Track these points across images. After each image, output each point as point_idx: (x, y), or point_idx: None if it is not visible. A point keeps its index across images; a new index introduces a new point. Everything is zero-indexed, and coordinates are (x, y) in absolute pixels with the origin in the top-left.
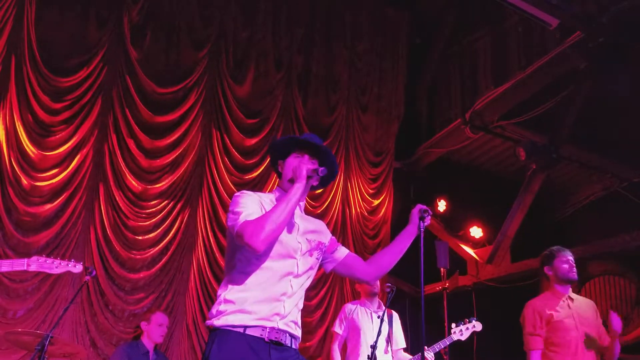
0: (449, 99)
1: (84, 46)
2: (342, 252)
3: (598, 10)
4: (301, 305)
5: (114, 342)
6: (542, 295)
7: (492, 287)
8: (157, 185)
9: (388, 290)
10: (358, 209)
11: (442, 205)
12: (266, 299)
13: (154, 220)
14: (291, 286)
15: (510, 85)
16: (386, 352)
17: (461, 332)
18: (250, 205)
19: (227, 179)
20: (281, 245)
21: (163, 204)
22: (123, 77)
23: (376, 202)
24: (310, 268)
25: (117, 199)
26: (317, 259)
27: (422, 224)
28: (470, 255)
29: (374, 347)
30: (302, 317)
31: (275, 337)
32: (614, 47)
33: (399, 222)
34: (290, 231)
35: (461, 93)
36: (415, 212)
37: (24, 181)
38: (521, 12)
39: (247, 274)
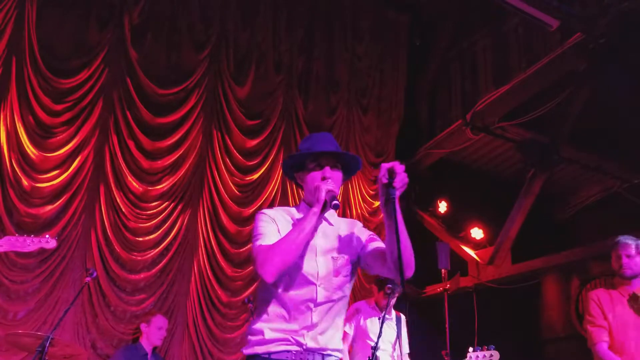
0: (449, 100)
1: (85, 48)
2: (373, 246)
3: (598, 11)
4: (332, 329)
5: (115, 343)
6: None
7: (493, 288)
8: (158, 187)
9: (389, 291)
10: (359, 210)
11: (443, 207)
12: (286, 329)
13: (154, 221)
14: (311, 318)
15: (511, 87)
16: (392, 356)
17: (477, 358)
18: (266, 228)
19: (228, 180)
20: (297, 272)
21: (164, 205)
22: (124, 79)
23: (377, 203)
24: (337, 289)
25: (118, 200)
26: (346, 276)
27: (392, 191)
28: (471, 256)
29: (374, 348)
30: None
31: (301, 359)
32: (614, 49)
33: None
34: (307, 255)
35: (462, 94)
36: (381, 176)
37: (25, 182)
38: (522, 14)
39: (268, 303)
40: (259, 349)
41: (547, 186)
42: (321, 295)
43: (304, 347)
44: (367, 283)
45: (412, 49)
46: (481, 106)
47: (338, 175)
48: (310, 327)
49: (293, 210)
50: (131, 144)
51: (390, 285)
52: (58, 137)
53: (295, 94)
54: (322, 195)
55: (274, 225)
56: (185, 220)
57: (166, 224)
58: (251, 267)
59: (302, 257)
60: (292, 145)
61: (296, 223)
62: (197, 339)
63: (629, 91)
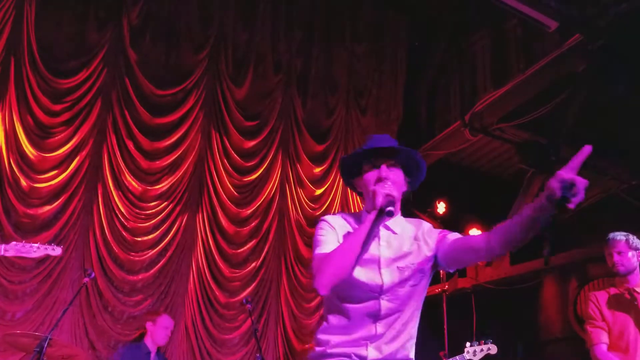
0: (448, 101)
1: (84, 48)
2: (449, 238)
3: (597, 13)
4: (401, 339)
5: (112, 344)
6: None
7: (491, 289)
8: (157, 187)
9: None
10: (357, 211)
11: (441, 208)
12: (347, 342)
13: (153, 221)
14: (376, 329)
15: (510, 88)
16: None
17: (475, 352)
18: (325, 236)
19: (227, 180)
20: (357, 286)
21: (162, 205)
22: (122, 79)
23: None
24: (406, 299)
25: (117, 200)
26: (415, 285)
27: (559, 208)
28: None
29: None
30: (302, 319)
31: None
32: (613, 50)
33: None
34: (369, 267)
35: (460, 95)
36: (554, 187)
37: (23, 183)
38: (520, 15)
39: (331, 315)
40: None
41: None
42: (386, 307)
43: (365, 357)
44: None
45: (410, 50)
46: (480, 107)
47: (398, 174)
48: (374, 337)
49: (352, 218)
50: (130, 144)
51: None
52: (56, 137)
53: (294, 95)
54: (379, 201)
55: (334, 233)
56: (184, 221)
57: (165, 225)
58: (249, 268)
59: (363, 268)
60: (290, 146)
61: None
62: (196, 339)
63: (628, 92)
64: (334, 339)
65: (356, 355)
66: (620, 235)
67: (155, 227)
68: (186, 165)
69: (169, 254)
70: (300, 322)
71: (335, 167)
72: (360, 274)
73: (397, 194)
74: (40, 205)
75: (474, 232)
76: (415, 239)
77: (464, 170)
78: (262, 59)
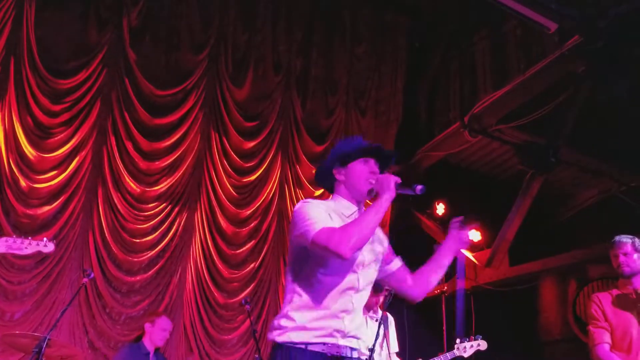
0: (447, 102)
1: (84, 48)
2: (396, 264)
3: (597, 14)
4: (361, 318)
5: (112, 345)
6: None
7: (491, 290)
8: (156, 188)
9: (387, 293)
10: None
11: (440, 209)
12: (326, 315)
13: (152, 222)
14: (352, 302)
15: (509, 89)
16: (379, 354)
17: (465, 348)
18: (319, 214)
19: (226, 181)
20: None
21: (161, 206)
22: (122, 80)
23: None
24: (370, 282)
25: (116, 201)
26: (376, 270)
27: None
28: (469, 258)
29: (372, 350)
30: None
31: (337, 352)
32: (612, 51)
33: (398, 225)
34: None
35: (460, 96)
36: (455, 225)
37: (23, 183)
38: (520, 16)
39: (309, 290)
40: (295, 337)
41: (545, 189)
42: (361, 283)
43: (343, 333)
44: None
45: (410, 51)
46: (479, 108)
47: (378, 171)
48: (350, 311)
49: (330, 203)
50: (129, 144)
51: (388, 288)
52: (56, 138)
53: (294, 96)
54: (392, 184)
55: (325, 211)
56: (183, 222)
57: (164, 225)
58: (248, 269)
59: None
60: (290, 147)
61: (346, 213)
62: (195, 340)
63: (627, 94)
64: (311, 314)
65: (336, 331)
66: (626, 238)
67: (154, 228)
68: (185, 166)
69: (167, 254)
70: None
71: None
72: None
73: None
74: (40, 206)
75: (473, 233)
76: (377, 233)
77: (463, 172)
78: (262, 59)
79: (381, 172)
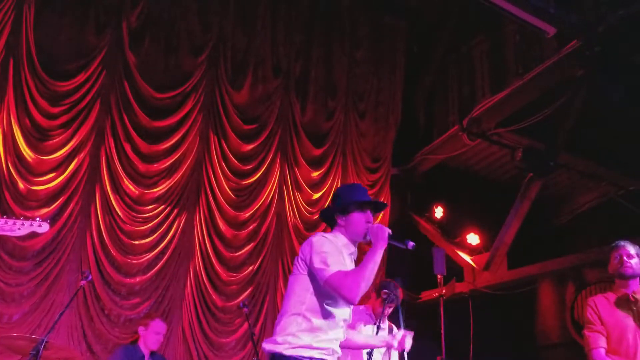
0: (446, 105)
1: (83, 50)
2: None
3: (595, 19)
4: None
5: (110, 347)
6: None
7: (489, 294)
8: (154, 190)
9: (385, 296)
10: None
11: (439, 212)
12: (328, 339)
13: (150, 225)
14: (343, 332)
15: (508, 93)
16: None
17: None
18: (336, 257)
19: (224, 184)
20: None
21: (160, 208)
22: (121, 82)
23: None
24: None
25: (114, 203)
26: None
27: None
28: (467, 262)
29: (370, 353)
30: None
31: None
32: (610, 56)
33: (396, 228)
34: None
35: (459, 100)
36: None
37: (21, 185)
38: (519, 21)
39: (316, 316)
40: (303, 352)
41: (543, 192)
42: (350, 316)
43: (337, 354)
44: None
45: (409, 55)
46: (478, 112)
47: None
48: (340, 339)
49: (339, 239)
50: (128, 147)
51: (386, 291)
52: (54, 140)
53: (293, 99)
54: (386, 235)
55: (339, 251)
56: (181, 224)
57: (162, 228)
58: (246, 272)
59: None
60: (289, 150)
61: (347, 250)
62: (193, 342)
63: (625, 98)
64: (319, 336)
65: (333, 352)
66: (629, 244)
67: (153, 230)
68: (184, 169)
69: (166, 257)
70: None
71: (333, 172)
72: None
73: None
74: (38, 208)
75: (471, 237)
76: None
77: (461, 175)
78: (261, 62)
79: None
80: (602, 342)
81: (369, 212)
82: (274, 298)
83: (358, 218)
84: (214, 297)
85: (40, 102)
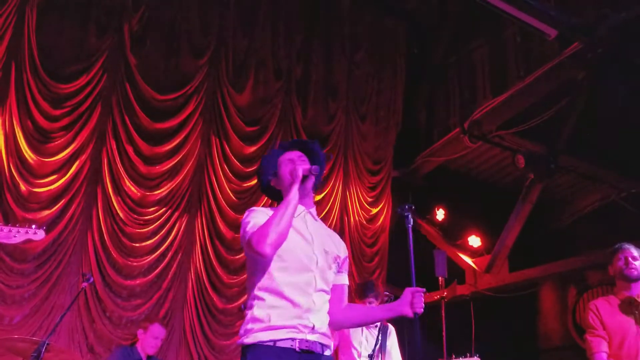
0: (447, 108)
1: (84, 53)
2: (342, 280)
3: (596, 21)
4: (326, 323)
5: (112, 349)
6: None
7: (490, 296)
8: (156, 192)
9: (386, 298)
10: (357, 217)
11: (440, 214)
12: (290, 315)
13: (152, 227)
14: (314, 301)
15: (509, 95)
16: None
17: None
18: (258, 217)
19: (226, 186)
20: (296, 258)
21: (161, 210)
22: (123, 84)
23: (374, 210)
24: (328, 283)
25: (116, 205)
26: (334, 273)
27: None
28: (469, 264)
29: (371, 356)
30: None
31: (306, 347)
32: (612, 58)
33: (397, 231)
34: (304, 243)
35: (460, 102)
36: (409, 294)
37: (22, 187)
38: (520, 23)
39: (269, 291)
40: (263, 337)
41: (545, 195)
42: (319, 283)
43: (311, 328)
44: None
45: (410, 57)
46: (479, 114)
47: (303, 159)
48: (313, 310)
49: (264, 208)
50: (129, 149)
51: (387, 293)
52: (56, 142)
53: (294, 101)
54: (299, 172)
55: (265, 214)
56: (183, 226)
57: (163, 230)
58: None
59: (298, 241)
60: None
61: None
62: (194, 345)
63: (627, 100)
64: (274, 312)
65: (302, 326)
66: (633, 246)
67: (154, 233)
68: (185, 171)
69: (167, 259)
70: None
71: (335, 174)
72: (297, 245)
73: (307, 168)
74: (39, 210)
75: (473, 239)
76: (336, 239)
77: (463, 177)
78: (262, 65)
79: (320, 165)
80: (604, 346)
81: (293, 152)
82: None
83: (284, 168)
84: (215, 299)
85: (42, 104)
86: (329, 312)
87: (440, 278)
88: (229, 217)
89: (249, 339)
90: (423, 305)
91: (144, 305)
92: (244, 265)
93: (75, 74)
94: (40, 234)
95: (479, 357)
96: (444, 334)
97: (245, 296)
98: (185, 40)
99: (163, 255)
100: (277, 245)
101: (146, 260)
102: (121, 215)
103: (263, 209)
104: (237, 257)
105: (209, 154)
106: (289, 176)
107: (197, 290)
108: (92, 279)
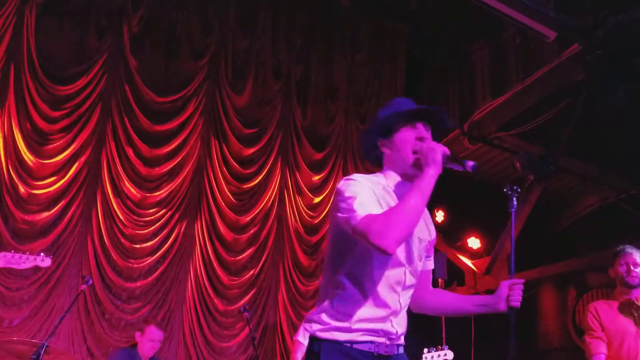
0: (447, 109)
1: (84, 55)
2: (429, 265)
3: (596, 23)
4: (405, 319)
5: (111, 352)
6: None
7: None
8: (156, 194)
9: None
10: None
11: (440, 216)
12: (375, 317)
13: (151, 228)
14: (399, 301)
15: (509, 97)
16: None
17: (432, 357)
18: (364, 193)
19: (225, 188)
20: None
21: (161, 212)
22: (122, 86)
23: None
24: (416, 275)
25: (115, 207)
26: (423, 263)
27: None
28: (468, 266)
29: None
30: (297, 309)
31: (385, 352)
32: (611, 60)
33: None
34: None
35: (459, 104)
36: (505, 288)
37: (22, 189)
38: (519, 25)
39: (355, 282)
40: (340, 337)
41: (544, 196)
42: (408, 279)
43: (394, 333)
44: None
45: (410, 58)
46: (479, 116)
47: (430, 136)
48: (397, 312)
49: (379, 178)
50: (129, 151)
51: None
52: (55, 144)
53: (294, 102)
54: (439, 157)
55: (371, 191)
56: (182, 228)
57: (163, 232)
58: (247, 275)
59: None
60: (290, 153)
61: (398, 192)
62: (194, 347)
63: (626, 102)
64: (356, 310)
65: (384, 332)
66: (634, 249)
67: (154, 234)
68: (185, 173)
69: (167, 261)
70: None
71: (334, 175)
72: None
73: (448, 155)
74: (39, 212)
75: (473, 241)
76: (426, 218)
77: (462, 179)
78: (262, 66)
79: (435, 138)
80: (603, 348)
81: (420, 125)
82: (275, 302)
83: (404, 137)
84: (215, 301)
85: (41, 106)
86: (412, 295)
87: (440, 280)
88: (229, 219)
89: (324, 334)
90: (521, 298)
91: (143, 307)
92: (243, 266)
93: (75, 76)
94: (47, 262)
95: (448, 349)
96: (443, 335)
97: (246, 298)
98: (184, 42)
99: (163, 257)
100: (403, 242)
101: (146, 262)
102: (121, 217)
103: (363, 178)
104: (237, 258)
105: (209, 156)
106: (409, 154)
107: (197, 291)
108: (91, 281)
